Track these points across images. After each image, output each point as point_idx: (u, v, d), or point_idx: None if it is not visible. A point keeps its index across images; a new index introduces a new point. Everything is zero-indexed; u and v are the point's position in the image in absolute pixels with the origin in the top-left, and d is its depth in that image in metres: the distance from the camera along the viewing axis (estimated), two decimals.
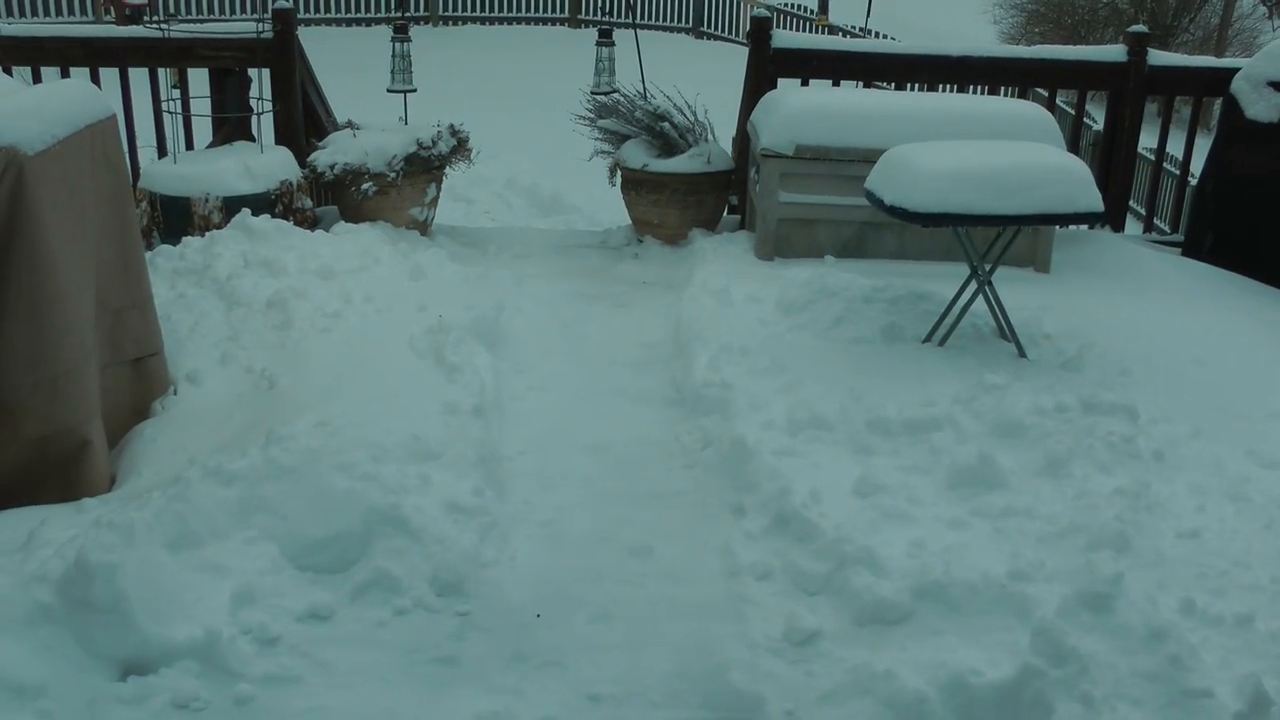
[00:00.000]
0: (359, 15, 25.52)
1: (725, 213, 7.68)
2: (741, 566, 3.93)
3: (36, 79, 7.23)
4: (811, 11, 25.31)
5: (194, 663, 3.39)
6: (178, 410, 4.86)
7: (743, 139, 7.49)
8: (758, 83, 7.48)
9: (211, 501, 3.90)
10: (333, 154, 7.05)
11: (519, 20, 26.77)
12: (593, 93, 7.82)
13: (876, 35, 21.37)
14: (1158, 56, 7.65)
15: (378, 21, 24.66)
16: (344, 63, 13.54)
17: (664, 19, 27.31)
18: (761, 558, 3.96)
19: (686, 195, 7.24)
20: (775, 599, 3.77)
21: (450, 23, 26.36)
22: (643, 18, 26.87)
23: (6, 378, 3.96)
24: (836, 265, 6.43)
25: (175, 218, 6.60)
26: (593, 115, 7.69)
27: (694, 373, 5.26)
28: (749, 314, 5.81)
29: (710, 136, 7.49)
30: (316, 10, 25.10)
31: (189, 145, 7.46)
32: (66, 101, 4.37)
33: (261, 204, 6.60)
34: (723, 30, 26.90)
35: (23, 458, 4.10)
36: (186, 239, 6.20)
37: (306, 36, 7.70)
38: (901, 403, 4.78)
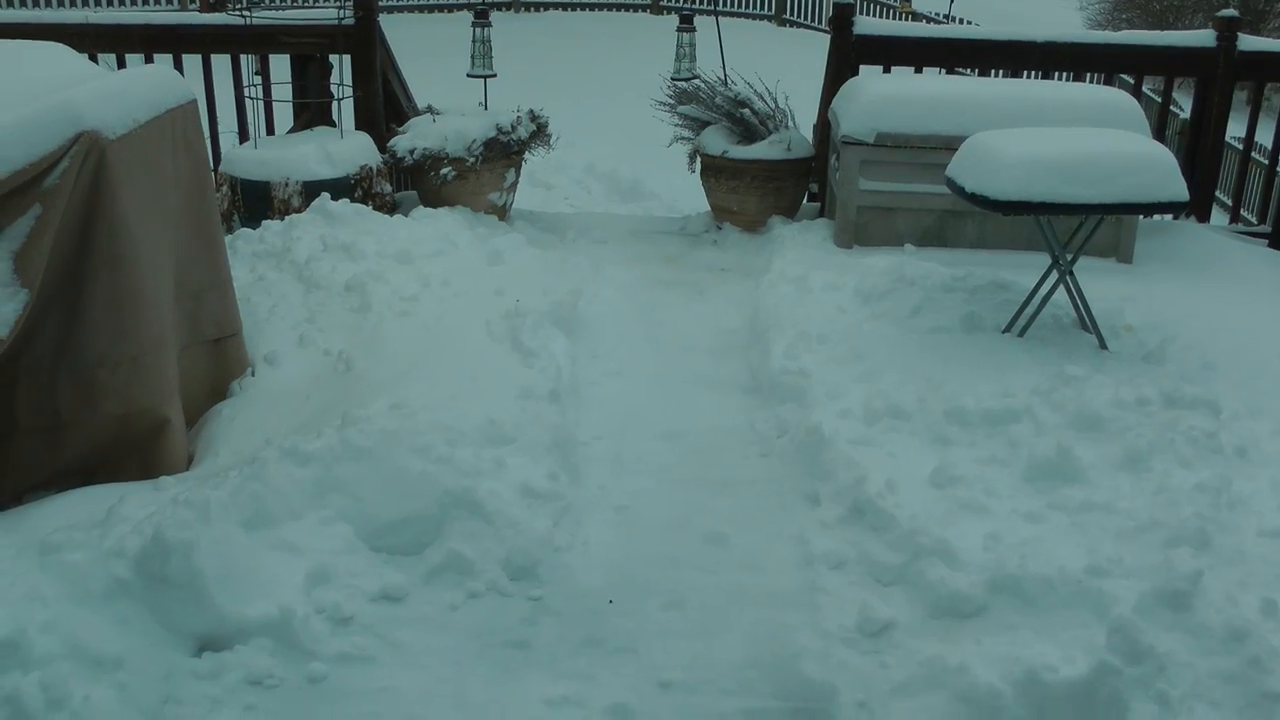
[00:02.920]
0: (441, 1, 25.65)
1: (805, 200, 7.65)
2: (815, 555, 3.91)
3: (121, 66, 7.35)
4: None
5: (268, 640, 3.43)
6: (255, 391, 4.92)
7: (824, 126, 7.46)
8: (839, 70, 7.44)
9: (287, 481, 3.94)
10: (412, 139, 7.10)
11: (601, 6, 26.79)
12: (673, 79, 7.81)
13: (960, 21, 21.15)
14: (1248, 42, 7.50)
15: (459, 7, 24.77)
16: (425, 48, 13.64)
17: (747, 6, 27.23)
18: (836, 547, 3.93)
19: (766, 182, 7.21)
20: (849, 589, 3.74)
21: (533, 9, 26.43)
22: (725, 5, 26.79)
23: (87, 357, 4.03)
24: (916, 254, 6.39)
25: (256, 202, 6.68)
26: (673, 101, 7.68)
27: (771, 360, 5.24)
28: (827, 302, 5.78)
29: (791, 123, 7.46)
30: None
31: (270, 130, 7.54)
32: (148, 87, 4.44)
33: (341, 188, 6.67)
34: (805, 18, 26.76)
35: (102, 436, 4.17)
36: (266, 223, 6.29)
37: (388, 23, 7.76)
38: (980, 393, 4.73)
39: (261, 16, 7.17)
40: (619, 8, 26.89)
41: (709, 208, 7.60)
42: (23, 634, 3.20)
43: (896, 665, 3.40)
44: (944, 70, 7.83)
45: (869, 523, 4.00)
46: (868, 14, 24.58)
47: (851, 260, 6.30)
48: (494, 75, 7.76)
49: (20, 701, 3.06)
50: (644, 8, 26.88)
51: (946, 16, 21.40)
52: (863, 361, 5.11)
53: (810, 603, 3.70)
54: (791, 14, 27.16)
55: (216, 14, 7.53)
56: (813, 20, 26.14)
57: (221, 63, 7.42)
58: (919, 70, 7.70)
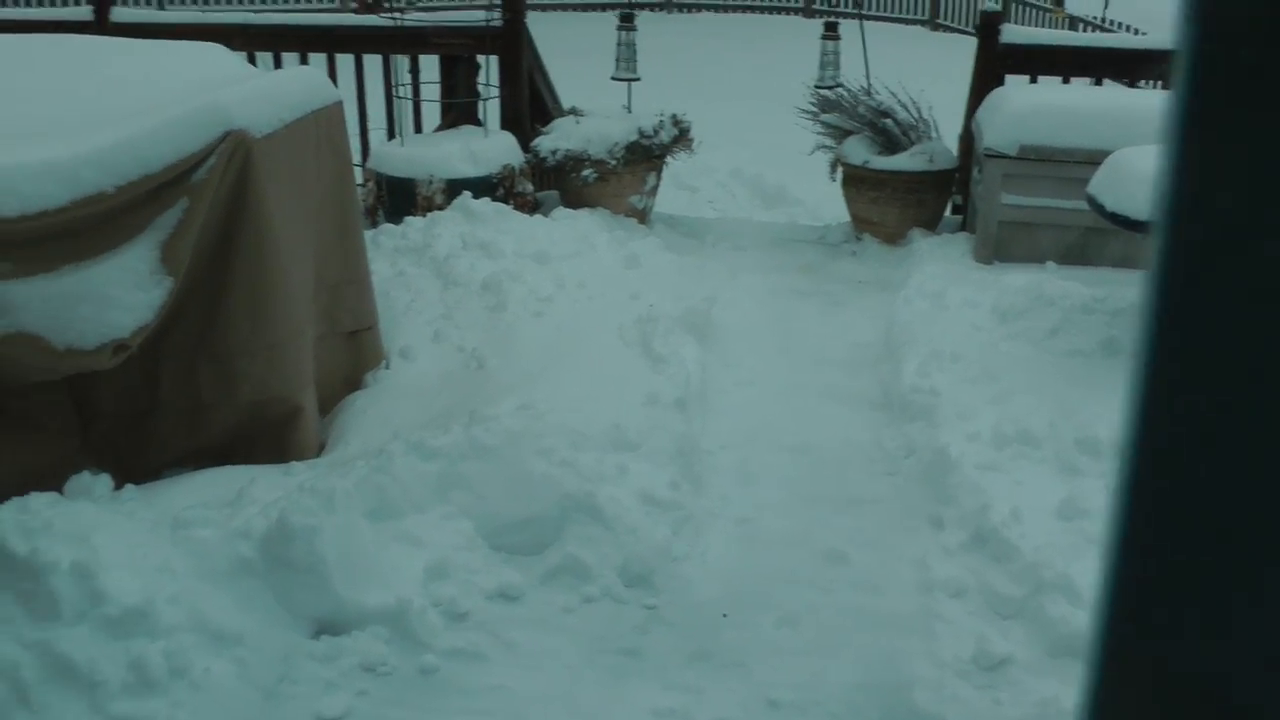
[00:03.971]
0: (592, 1, 25.83)
1: (948, 213, 7.56)
2: (935, 582, 3.86)
3: (277, 63, 7.55)
4: (1048, 1, 24.61)
5: (384, 628, 3.51)
6: (388, 383, 5.02)
7: (967, 137, 7.35)
8: (984, 79, 7.32)
9: (412, 475, 4.02)
10: (555, 140, 7.17)
11: (753, 9, 26.73)
12: (816, 87, 7.77)
13: (1117, 27, 20.64)
14: None
15: (610, 6, 24.91)
16: (573, 47, 13.72)
17: (900, 10, 26.95)
18: (957, 574, 3.88)
19: (907, 194, 7.14)
20: (967, 619, 3.69)
21: (685, 10, 26.48)
22: (879, 9, 26.54)
23: (227, 344, 4.17)
24: (1057, 272, 6.26)
25: (400, 198, 6.81)
26: (816, 110, 7.64)
27: (902, 378, 5.20)
28: (963, 319, 5.71)
29: (934, 134, 7.37)
30: None
31: (417, 128, 7.68)
32: (296, 88, 4.59)
33: (483, 187, 6.76)
34: (960, 22, 26.37)
35: (238, 420, 4.31)
36: (409, 219, 6.41)
37: (536, 20, 7.84)
38: (1114, 422, 4.59)
39: (413, 18, 7.30)
40: (771, 10, 26.80)
41: (849, 218, 7.55)
42: (151, 604, 3.33)
43: (1010, 703, 3.34)
44: (1093, 80, 7.66)
45: (991, 551, 3.94)
46: (1019, 16, 24.18)
47: (990, 276, 6.21)
48: (638, 79, 7.80)
49: (145, 668, 3.18)
50: (796, 10, 26.75)
51: (1102, 21, 20.84)
52: (995, 382, 5.03)
53: (927, 630, 3.66)
54: (945, 18, 26.82)
55: (370, 15, 7.68)
56: (967, 24, 25.74)
57: (373, 62, 7.57)
58: (1066, 80, 7.55)
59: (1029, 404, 4.81)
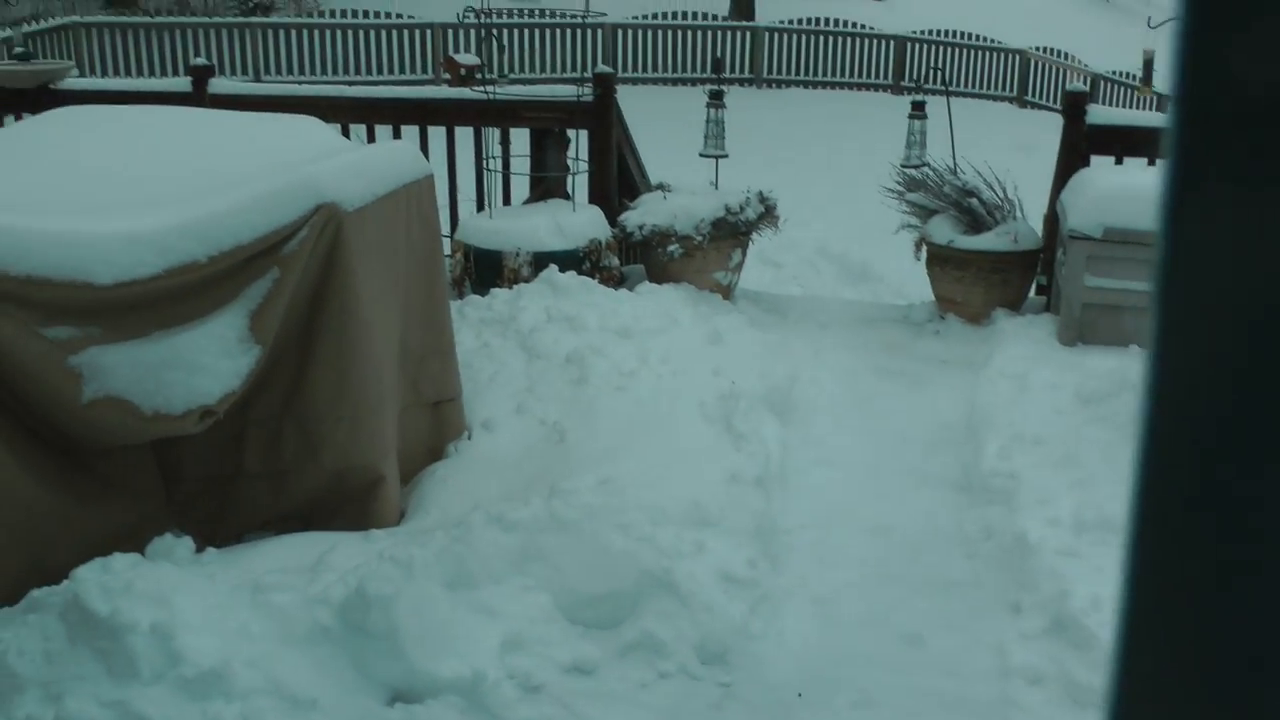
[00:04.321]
0: (680, 75, 26.10)
1: (1032, 293, 7.51)
2: (1014, 668, 3.82)
3: (370, 135, 7.70)
4: (1136, 78, 24.46)
5: (458, 698, 3.52)
6: (470, 454, 5.07)
7: (1052, 218, 7.32)
8: (1069, 160, 7.30)
9: (491, 547, 4.05)
10: (642, 215, 7.23)
11: (842, 85, 26.86)
12: (902, 166, 7.78)
13: None
14: None
15: (699, 81, 25.15)
16: (661, 120, 13.87)
17: (988, 86, 26.98)
18: (1035, 661, 3.83)
19: (991, 274, 7.11)
20: (1046, 707, 3.64)
21: (773, 85, 26.66)
22: (967, 85, 26.58)
23: (312, 412, 4.25)
24: (1141, 356, 6.18)
25: (487, 270, 6.89)
26: (901, 189, 7.65)
27: (983, 460, 5.16)
28: (1045, 402, 5.66)
29: (1019, 214, 7.34)
30: (637, 70, 25.79)
31: (506, 200, 7.78)
32: (387, 162, 4.70)
33: (570, 261, 6.82)
34: (1047, 99, 26.33)
35: (321, 486, 4.38)
36: (495, 290, 6.48)
37: (625, 94, 7.93)
38: None
39: (505, 92, 7.42)
40: (859, 87, 26.91)
41: (933, 297, 7.53)
42: (228, 666, 3.38)
43: None
44: None
45: (1071, 639, 3.88)
46: (1107, 93, 24.06)
47: (1074, 359, 6.15)
48: (725, 156, 7.86)
49: None
50: (885, 87, 26.85)
51: None
52: (1077, 468, 4.97)
53: (1004, 717, 3.61)
54: (1032, 95, 26.82)
55: (462, 89, 7.82)
56: (1054, 102, 25.68)
57: (464, 134, 7.70)
58: (1152, 162, 7.50)
59: (1111, 490, 4.73)
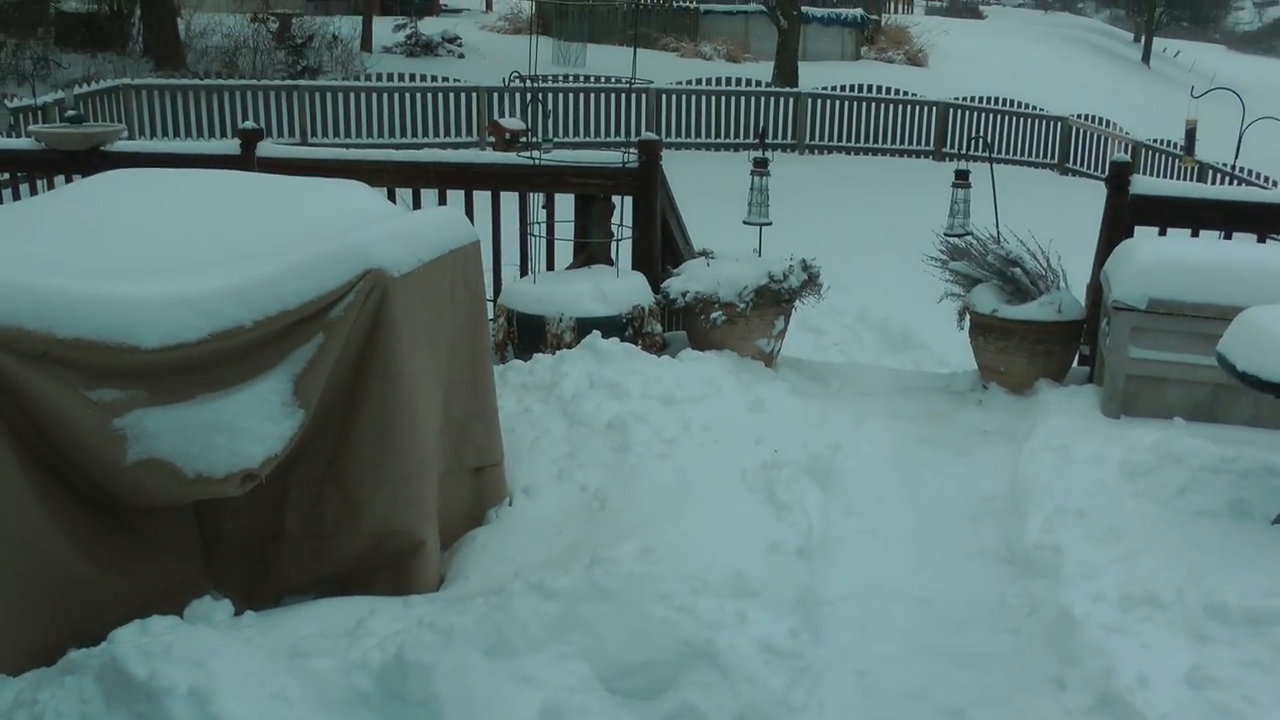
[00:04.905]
0: (724, 141, 26.24)
1: (1076, 363, 7.47)
2: None
3: (416, 198, 7.76)
4: (1178, 147, 24.38)
5: None
6: (510, 520, 5.06)
7: (1096, 288, 7.29)
8: (1113, 230, 7.28)
9: (531, 615, 4.02)
10: (685, 281, 7.24)
11: (884, 152, 26.97)
12: (945, 234, 7.78)
13: (1248, 174, 20.36)
14: None
15: (743, 147, 25.28)
16: (705, 185, 13.94)
17: (1029, 153, 27.06)
18: None
19: (1034, 344, 7.07)
20: None
21: (816, 151, 26.76)
22: (1008, 152, 26.65)
23: (353, 475, 4.25)
24: (1185, 429, 6.12)
25: (530, 335, 6.91)
26: (945, 257, 7.64)
27: (1026, 533, 5.10)
28: (1089, 474, 5.60)
29: (1063, 284, 7.32)
30: (682, 135, 25.95)
31: (550, 266, 7.81)
32: (434, 228, 4.72)
33: (613, 327, 6.84)
34: (1088, 167, 26.39)
35: (360, 550, 4.37)
36: (538, 356, 6.50)
37: (669, 159, 7.97)
38: (1244, 589, 4.44)
39: (550, 158, 7.47)
40: (902, 153, 27.02)
41: (976, 366, 7.50)
42: None
43: None
44: (1223, 234, 7.56)
45: (1116, 716, 3.82)
46: (1149, 162, 24.01)
47: (1118, 431, 6.10)
48: (769, 223, 7.88)
49: None
50: (927, 154, 26.94)
51: (1233, 168, 20.56)
52: (1121, 542, 4.91)
53: None
54: (1074, 162, 26.85)
55: (508, 154, 7.88)
56: (1095, 169, 25.71)
57: (509, 198, 7.75)
58: (1196, 233, 7.46)
59: (1156, 565, 4.68)
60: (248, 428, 3.93)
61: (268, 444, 3.96)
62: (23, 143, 8.57)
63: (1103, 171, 24.53)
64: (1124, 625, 4.30)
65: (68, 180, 8.02)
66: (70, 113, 9.39)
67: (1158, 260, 6.50)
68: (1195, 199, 7.56)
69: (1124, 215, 7.32)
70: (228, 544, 4.32)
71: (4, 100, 17.24)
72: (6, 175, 9.18)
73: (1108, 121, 27.13)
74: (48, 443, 3.75)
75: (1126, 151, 24.73)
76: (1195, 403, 6.44)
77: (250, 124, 7.97)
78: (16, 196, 8.77)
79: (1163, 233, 7.46)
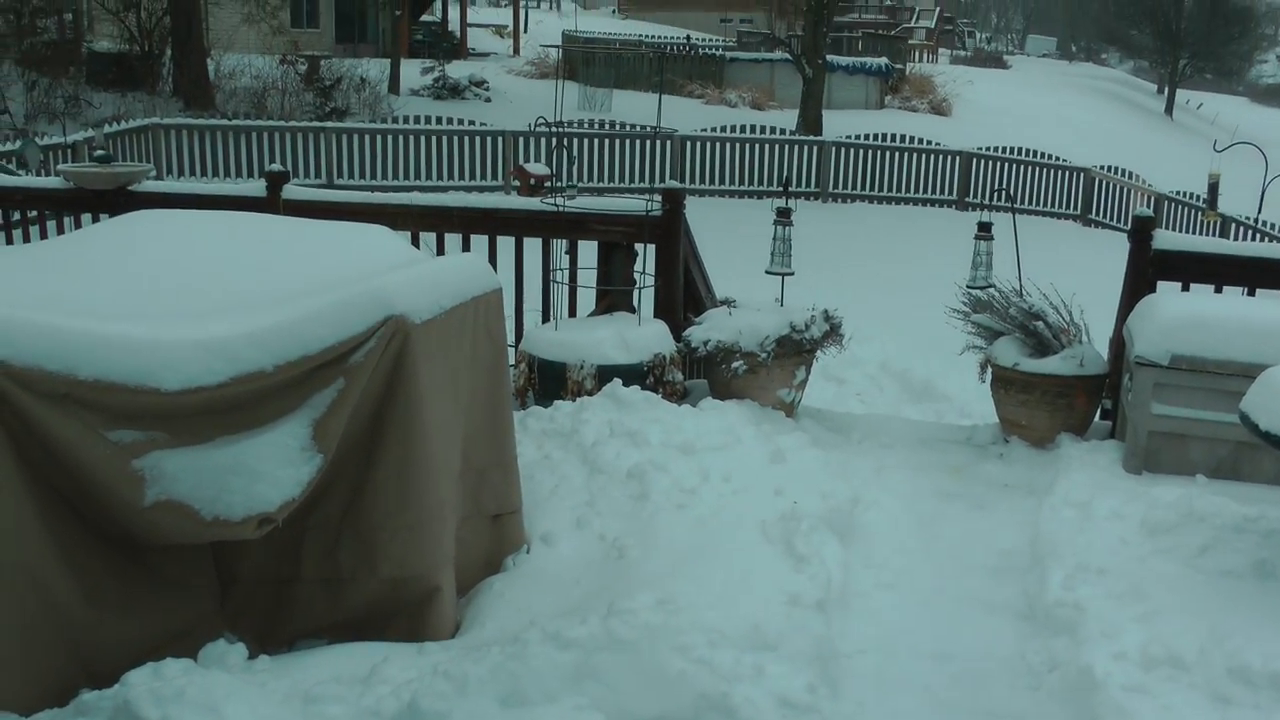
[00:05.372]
0: (748, 188, 26.30)
1: (1097, 417, 7.42)
2: None
3: (440, 243, 7.77)
4: (1200, 199, 24.33)
5: None
6: (528, 568, 5.04)
7: (1118, 342, 7.24)
8: (1136, 285, 7.24)
9: (547, 664, 4.00)
10: (707, 330, 7.23)
11: (907, 201, 27.02)
12: (968, 287, 7.75)
13: (1273, 228, 20.33)
14: None
15: (766, 195, 25.33)
16: (728, 233, 13.96)
17: (1051, 204, 27.10)
18: None
19: (1056, 398, 7.03)
20: None
21: (839, 200, 26.81)
22: (1031, 203, 26.68)
23: (370, 520, 4.24)
24: (1208, 486, 6.06)
25: (550, 381, 6.89)
26: (967, 309, 7.61)
27: (1047, 589, 5.04)
28: (1110, 531, 5.55)
29: (1085, 337, 7.27)
30: (705, 181, 26.03)
31: (572, 312, 7.80)
32: (457, 276, 4.73)
33: (633, 374, 6.82)
34: (1111, 218, 26.39)
35: (376, 595, 4.36)
36: (558, 402, 6.49)
37: (693, 205, 7.95)
38: (1268, 652, 4.37)
39: (574, 205, 7.47)
40: (924, 202, 27.06)
41: (998, 419, 7.45)
42: None
43: None
44: (1246, 290, 7.51)
45: None
46: (1170, 214, 23.98)
47: (1139, 488, 6.04)
48: (792, 273, 7.86)
49: None
50: (950, 203, 26.97)
51: (1255, 221, 20.51)
52: (1143, 601, 4.85)
53: None
54: (1097, 214, 26.86)
55: (532, 199, 7.89)
56: (1118, 221, 25.70)
57: (532, 244, 7.75)
58: (1219, 289, 7.41)
59: (1178, 625, 4.62)
60: (266, 472, 3.93)
61: (285, 488, 3.96)
62: (51, 181, 8.63)
63: (1125, 223, 24.54)
64: (1146, 685, 4.26)
65: (95, 219, 8.06)
66: (99, 152, 9.47)
67: (1180, 316, 6.46)
68: (1218, 254, 7.52)
69: (1146, 270, 7.28)
70: (243, 585, 4.32)
71: (34, 138, 17.38)
72: (34, 213, 9.22)
73: (1130, 173, 27.13)
74: (66, 481, 3.76)
75: (1149, 204, 24.70)
76: (1218, 460, 6.38)
77: (276, 166, 8.00)
78: (44, 235, 8.81)
79: (1185, 288, 7.41)
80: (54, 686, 3.76)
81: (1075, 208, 27.14)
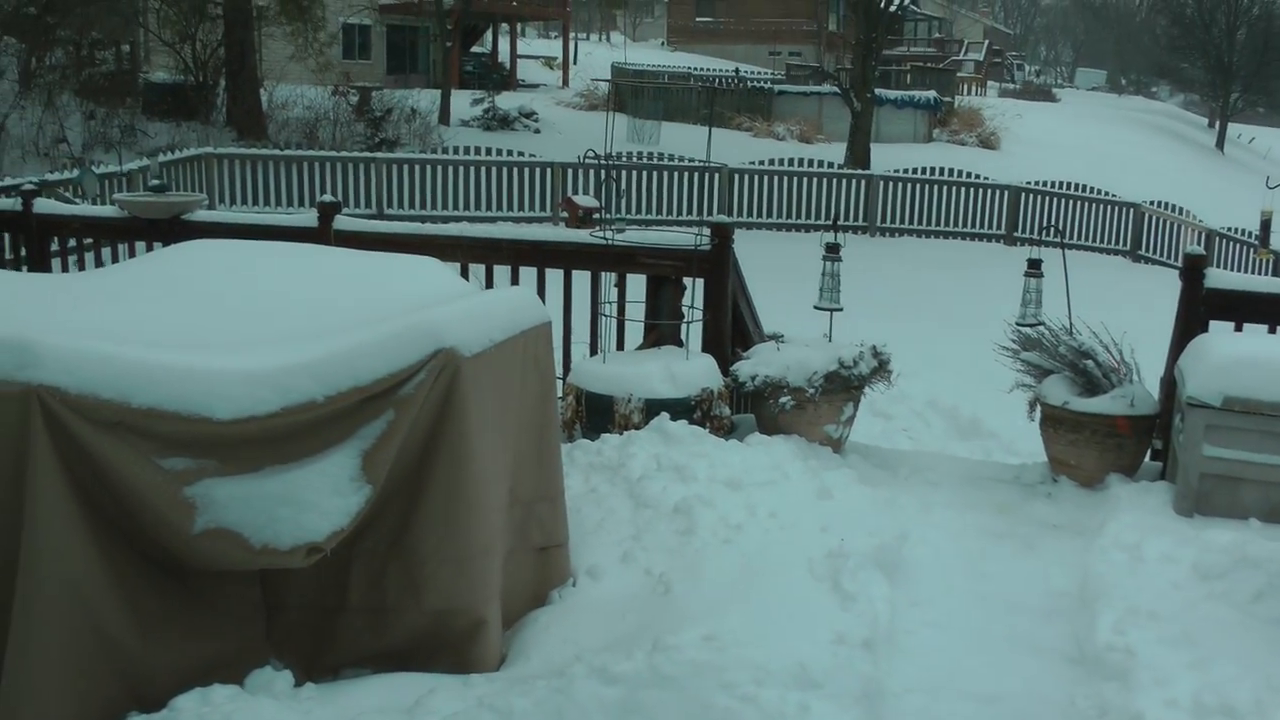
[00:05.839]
0: (796, 221, 26.32)
1: (1148, 458, 7.33)
2: None
3: (489, 274, 7.81)
4: (1252, 235, 24.11)
5: None
6: (574, 602, 5.03)
7: (1170, 382, 7.16)
8: (1188, 324, 7.15)
9: (591, 699, 3.99)
10: (755, 365, 7.22)
11: (955, 235, 26.95)
12: (1017, 324, 7.71)
13: None
14: None
15: (814, 228, 25.33)
16: (776, 266, 13.94)
17: (1101, 240, 26.95)
18: None
19: (1106, 438, 6.95)
20: None
21: (887, 234, 26.77)
22: (1080, 238, 26.53)
23: (417, 551, 4.25)
24: (1262, 530, 5.97)
25: (598, 414, 6.90)
26: (1016, 347, 7.57)
27: (1097, 633, 4.97)
28: (1161, 575, 5.47)
29: (1136, 376, 7.20)
30: (754, 214, 26.06)
31: (620, 346, 7.81)
32: (507, 309, 4.75)
33: (681, 409, 6.81)
34: (1161, 254, 26.20)
35: (421, 626, 4.36)
36: (605, 436, 6.49)
37: (741, 238, 7.94)
38: None
39: (623, 238, 7.49)
40: (973, 236, 26.98)
41: (1046, 457, 7.39)
42: None
43: None
44: None
45: None
46: (1222, 251, 23.78)
47: (1191, 531, 5.96)
48: (840, 309, 7.84)
49: None
50: (998, 238, 26.88)
51: None
52: (1195, 647, 4.78)
53: None
54: (1147, 250, 26.66)
55: (580, 231, 7.92)
56: (1169, 257, 25.51)
57: (581, 276, 7.77)
58: (1273, 329, 7.32)
59: (1231, 673, 4.55)
60: (315, 501, 3.95)
61: (334, 518, 3.97)
62: (107, 210, 8.75)
63: (1176, 259, 24.41)
64: None
65: (149, 248, 8.16)
66: (154, 182, 9.58)
67: (1233, 357, 6.38)
68: (1273, 294, 7.42)
69: (1198, 309, 7.20)
70: (290, 612, 4.33)
71: (91, 167, 17.62)
72: (90, 241, 9.35)
73: (1181, 209, 26.95)
74: (118, 507, 3.79)
75: (1200, 240, 24.52)
76: (1272, 504, 6.28)
77: (328, 197, 8.07)
78: (99, 262, 8.93)
79: (1239, 328, 7.33)
80: (103, 711, 3.78)
81: (1125, 243, 26.97)
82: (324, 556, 4.03)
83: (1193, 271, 7.23)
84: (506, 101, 36.44)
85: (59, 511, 3.63)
